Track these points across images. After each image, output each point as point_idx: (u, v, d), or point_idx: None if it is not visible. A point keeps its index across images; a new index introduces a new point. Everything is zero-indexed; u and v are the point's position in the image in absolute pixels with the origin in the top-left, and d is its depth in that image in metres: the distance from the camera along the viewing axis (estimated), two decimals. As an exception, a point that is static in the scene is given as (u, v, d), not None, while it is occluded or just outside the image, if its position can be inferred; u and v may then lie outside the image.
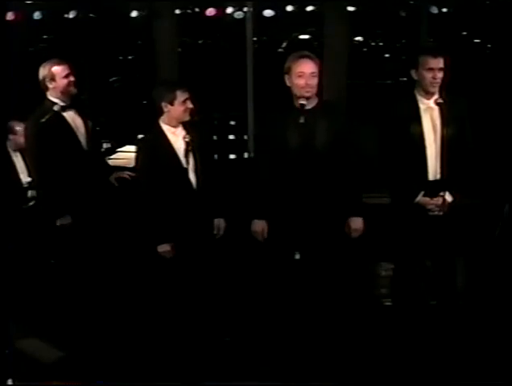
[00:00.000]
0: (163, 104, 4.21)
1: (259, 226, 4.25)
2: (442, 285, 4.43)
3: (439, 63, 4.20)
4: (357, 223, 4.22)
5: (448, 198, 4.26)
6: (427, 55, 4.22)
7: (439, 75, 4.19)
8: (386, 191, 4.49)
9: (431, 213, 4.29)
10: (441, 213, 4.27)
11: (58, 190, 4.65)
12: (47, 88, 4.71)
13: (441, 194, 4.24)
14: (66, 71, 4.68)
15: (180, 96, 4.20)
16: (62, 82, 4.67)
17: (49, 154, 4.63)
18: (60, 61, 4.71)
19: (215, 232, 4.36)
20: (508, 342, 4.29)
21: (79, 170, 4.72)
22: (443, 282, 4.43)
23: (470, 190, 4.38)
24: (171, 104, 4.20)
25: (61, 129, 4.69)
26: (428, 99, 4.26)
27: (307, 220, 4.18)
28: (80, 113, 4.80)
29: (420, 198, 4.28)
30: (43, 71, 4.71)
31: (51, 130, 4.63)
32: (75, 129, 4.75)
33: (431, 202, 4.27)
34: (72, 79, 4.70)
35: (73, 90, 4.72)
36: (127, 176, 4.79)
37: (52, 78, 4.67)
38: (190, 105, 4.22)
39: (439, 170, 4.24)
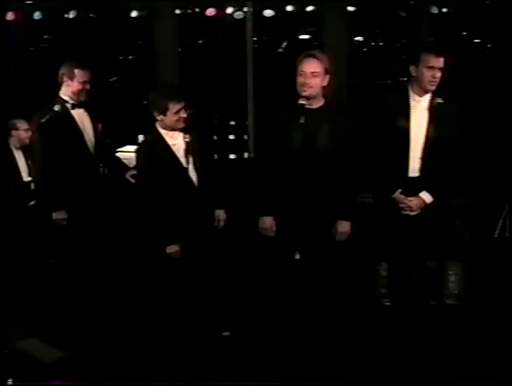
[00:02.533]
0: (155, 113, 4.20)
1: (268, 223, 4.25)
2: (433, 284, 4.44)
3: (440, 62, 4.19)
4: (343, 226, 4.21)
5: (426, 199, 4.26)
6: (430, 53, 4.21)
7: (439, 74, 4.19)
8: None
9: (402, 212, 4.28)
10: (413, 213, 4.26)
11: (56, 185, 4.69)
12: (62, 84, 4.76)
13: (420, 195, 4.24)
14: (85, 78, 4.74)
15: (173, 107, 4.16)
16: (78, 86, 4.73)
17: (52, 150, 4.69)
18: (85, 66, 4.76)
19: (215, 224, 4.36)
20: (508, 342, 4.29)
21: (81, 169, 4.76)
22: (433, 282, 4.44)
23: (450, 191, 4.36)
24: (164, 114, 4.18)
25: (67, 126, 4.75)
26: (421, 96, 4.26)
27: (307, 220, 4.18)
28: (90, 115, 4.84)
29: (397, 194, 4.27)
30: (66, 67, 4.77)
31: (57, 126, 4.70)
32: (81, 129, 4.78)
33: (405, 200, 4.27)
34: (87, 87, 4.75)
35: (84, 97, 4.77)
36: None
37: (71, 77, 4.73)
38: (183, 115, 4.19)
39: (419, 168, 4.25)
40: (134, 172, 4.79)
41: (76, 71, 4.73)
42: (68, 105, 4.77)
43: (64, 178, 4.71)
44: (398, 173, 4.25)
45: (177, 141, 4.25)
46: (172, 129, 4.23)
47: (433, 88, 4.22)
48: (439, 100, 4.25)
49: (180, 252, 4.21)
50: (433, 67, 4.19)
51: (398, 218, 4.28)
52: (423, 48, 4.37)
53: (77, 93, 4.75)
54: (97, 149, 4.86)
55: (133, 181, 4.77)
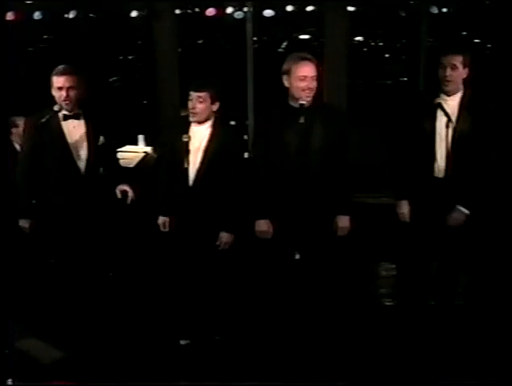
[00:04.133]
0: None
1: (264, 225, 4.23)
2: (443, 286, 4.42)
3: (450, 60, 4.16)
4: (343, 221, 4.21)
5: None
6: (442, 53, 4.21)
7: (450, 72, 4.15)
8: (385, 191, 4.49)
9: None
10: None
11: (30, 192, 4.43)
12: None
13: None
14: (59, 84, 4.34)
15: (190, 91, 4.23)
16: (56, 92, 4.36)
17: (32, 154, 4.42)
18: (63, 72, 4.34)
19: (217, 243, 4.29)
20: (508, 342, 4.29)
21: (59, 178, 4.44)
22: (443, 283, 4.42)
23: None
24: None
25: (51, 132, 4.39)
26: (449, 95, 4.23)
27: (306, 219, 4.18)
28: (87, 124, 4.45)
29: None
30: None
31: (43, 131, 4.37)
32: (66, 136, 4.40)
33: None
34: (63, 93, 4.32)
35: (66, 105, 4.36)
36: (131, 192, 4.46)
37: (51, 84, 4.39)
38: (190, 106, 4.21)
39: (445, 168, 4.23)
40: (124, 188, 4.47)
41: (53, 77, 4.36)
42: (60, 115, 4.39)
43: (40, 182, 4.41)
44: (425, 174, 4.23)
45: (196, 135, 4.25)
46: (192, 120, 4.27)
47: (448, 87, 4.19)
48: (439, 101, 4.23)
49: (169, 225, 4.32)
50: (444, 66, 4.17)
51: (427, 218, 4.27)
52: (442, 50, 4.32)
53: (58, 101, 4.35)
54: (88, 164, 4.44)
55: (119, 196, 4.45)
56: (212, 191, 4.25)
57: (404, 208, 4.32)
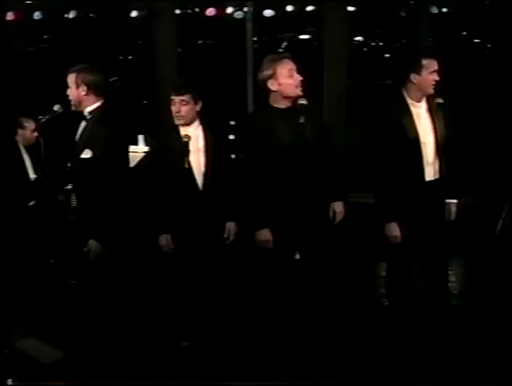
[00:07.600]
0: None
1: (265, 236, 4.16)
2: (435, 285, 4.42)
3: (437, 64, 4.21)
4: (338, 206, 4.22)
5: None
6: (431, 58, 4.20)
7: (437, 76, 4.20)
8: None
9: None
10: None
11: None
12: None
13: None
14: (70, 81, 4.24)
15: (172, 96, 4.21)
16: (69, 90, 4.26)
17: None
18: (73, 69, 4.28)
19: (225, 236, 4.30)
20: (508, 342, 4.29)
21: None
22: (436, 282, 4.41)
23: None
24: (170, 102, 4.24)
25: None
26: (420, 101, 4.25)
27: (308, 220, 4.18)
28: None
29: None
30: None
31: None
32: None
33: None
34: (69, 93, 4.23)
35: (72, 105, 4.27)
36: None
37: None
38: (176, 108, 4.20)
39: (436, 171, 4.24)
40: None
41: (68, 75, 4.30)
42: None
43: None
44: (415, 180, 4.22)
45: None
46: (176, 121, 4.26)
47: (433, 90, 4.22)
48: (440, 100, 4.25)
49: (170, 244, 4.22)
50: (435, 71, 4.18)
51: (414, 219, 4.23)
52: (422, 54, 4.31)
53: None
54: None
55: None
56: (221, 193, 4.25)
57: (395, 231, 4.21)
